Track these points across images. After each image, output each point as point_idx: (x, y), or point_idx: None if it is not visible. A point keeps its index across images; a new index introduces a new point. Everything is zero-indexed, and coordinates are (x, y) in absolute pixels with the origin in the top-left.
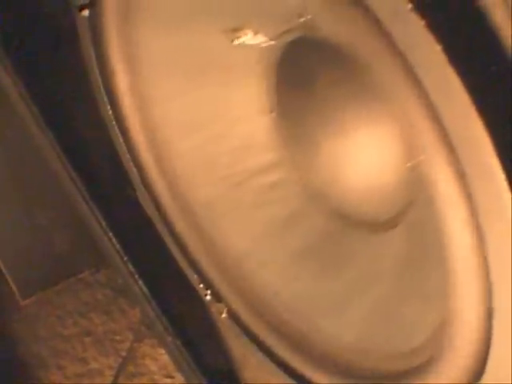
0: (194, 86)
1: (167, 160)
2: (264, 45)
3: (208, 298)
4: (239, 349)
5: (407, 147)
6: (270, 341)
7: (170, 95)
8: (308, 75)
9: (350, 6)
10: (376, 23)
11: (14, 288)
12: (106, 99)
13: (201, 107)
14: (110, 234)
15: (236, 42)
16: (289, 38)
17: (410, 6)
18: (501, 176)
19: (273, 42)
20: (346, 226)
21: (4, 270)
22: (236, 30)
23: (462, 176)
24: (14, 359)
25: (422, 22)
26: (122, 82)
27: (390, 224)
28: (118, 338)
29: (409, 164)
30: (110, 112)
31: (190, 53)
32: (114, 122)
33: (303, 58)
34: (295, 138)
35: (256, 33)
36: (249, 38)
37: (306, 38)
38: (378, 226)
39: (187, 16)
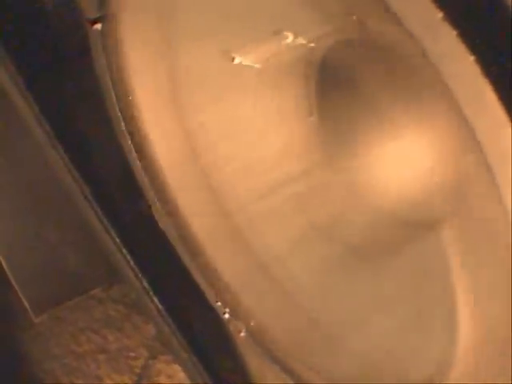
0: (223, 97)
1: (192, 173)
2: (308, 45)
3: (226, 316)
4: (257, 366)
5: (439, 159)
6: (291, 358)
7: (200, 106)
8: (351, 78)
9: (381, 15)
10: (407, 32)
11: (27, 305)
12: (120, 115)
13: (235, 114)
14: (124, 250)
15: (280, 43)
16: (331, 39)
17: (440, 15)
18: None
19: (313, 45)
20: (390, 228)
21: (16, 287)
22: (280, 30)
23: (495, 190)
24: (27, 377)
25: (454, 32)
26: (137, 96)
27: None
28: (132, 354)
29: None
30: (124, 128)
31: (217, 64)
32: (128, 138)
33: (346, 60)
34: (337, 141)
35: (296, 36)
36: (289, 40)
37: (348, 40)
38: (423, 225)
39: (216, 26)
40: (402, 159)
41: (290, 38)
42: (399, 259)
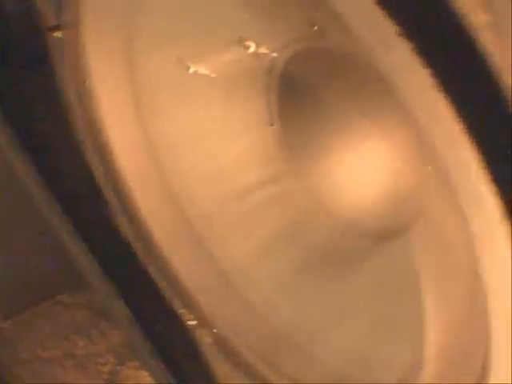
0: (191, 101)
1: (154, 180)
2: (269, 55)
3: (191, 323)
4: (223, 372)
5: (398, 168)
6: (256, 364)
7: (157, 114)
8: (313, 86)
9: (341, 27)
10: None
11: None
12: (83, 121)
13: (199, 123)
14: (91, 256)
15: (241, 53)
16: (293, 49)
17: (396, 29)
18: (492, 201)
19: (275, 54)
20: (353, 236)
21: None
22: (242, 40)
23: (454, 199)
24: None
25: (410, 46)
26: (99, 102)
27: (379, 245)
28: (99, 360)
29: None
30: (86, 133)
31: (179, 70)
32: (91, 145)
33: (307, 69)
34: (299, 149)
35: (259, 45)
36: (251, 50)
37: (310, 49)
38: (385, 235)
39: (177, 31)
40: (364, 168)
41: (252, 47)
42: (363, 267)
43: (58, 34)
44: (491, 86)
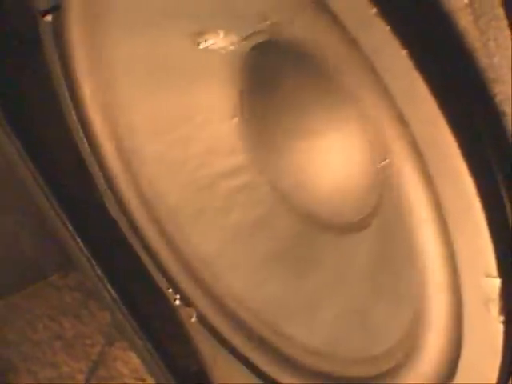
0: (159, 90)
1: (134, 166)
2: (229, 48)
3: (177, 302)
4: (209, 351)
5: (374, 150)
6: (238, 342)
7: (134, 101)
8: (274, 79)
9: (316, 11)
10: (342, 28)
11: None
12: (71, 106)
13: (165, 112)
14: (78, 238)
15: (201, 46)
16: (254, 41)
17: (374, 10)
18: (468, 179)
19: (237, 46)
20: (315, 229)
21: None
22: (202, 33)
23: (429, 179)
24: None
25: (387, 27)
26: (86, 88)
27: (358, 226)
28: (88, 341)
29: (376, 166)
30: (75, 118)
31: (154, 57)
32: (79, 129)
33: (268, 62)
34: (262, 142)
35: (219, 38)
36: (217, 40)
37: (271, 42)
38: (347, 228)
39: (152, 20)
40: (325, 160)
41: (211, 40)
42: (325, 260)
43: (48, 18)
44: (468, 66)
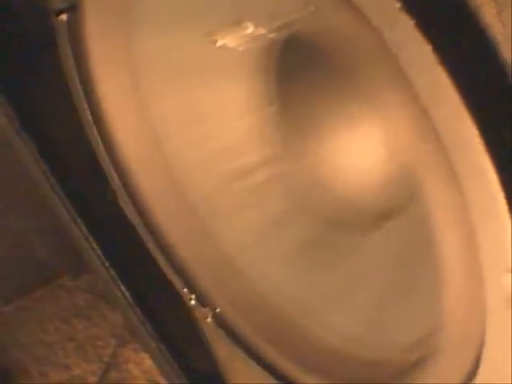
0: (185, 86)
1: (156, 162)
2: (264, 38)
3: (193, 302)
4: (224, 352)
5: (396, 148)
6: (257, 343)
7: (160, 97)
8: (308, 68)
9: (340, 6)
10: (366, 23)
11: None
12: (85, 105)
13: (197, 105)
14: (91, 239)
15: (236, 36)
16: (290, 30)
17: (398, 5)
18: (492, 176)
19: (273, 35)
20: (338, 226)
21: None
22: (236, 24)
23: (453, 176)
24: None
25: (412, 22)
26: (103, 87)
27: (380, 223)
28: (100, 343)
29: (399, 164)
30: (90, 118)
31: (178, 54)
32: (94, 128)
33: (304, 51)
34: (296, 130)
35: (257, 26)
36: (249, 31)
37: (307, 30)
38: (369, 225)
39: (176, 16)
40: (361, 147)
41: (250, 28)
42: (364, 244)
43: (63, 18)
44: (492, 60)
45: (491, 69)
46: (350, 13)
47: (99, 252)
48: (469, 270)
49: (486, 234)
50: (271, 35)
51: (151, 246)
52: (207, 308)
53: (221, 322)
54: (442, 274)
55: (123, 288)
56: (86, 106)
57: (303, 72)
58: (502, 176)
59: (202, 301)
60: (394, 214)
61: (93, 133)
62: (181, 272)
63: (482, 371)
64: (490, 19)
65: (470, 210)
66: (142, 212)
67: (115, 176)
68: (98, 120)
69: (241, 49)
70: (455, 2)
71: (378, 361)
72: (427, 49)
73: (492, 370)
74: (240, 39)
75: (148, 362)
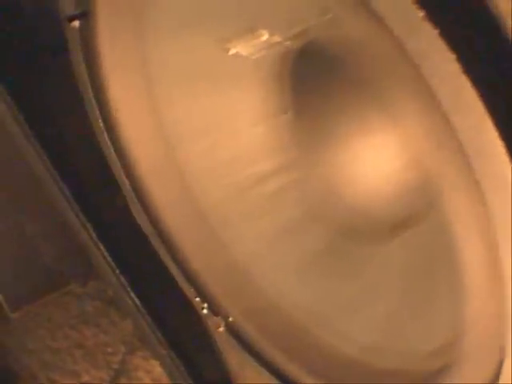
0: (198, 92)
1: (168, 169)
2: (279, 46)
3: (205, 311)
4: (236, 360)
5: (413, 156)
6: (269, 351)
7: (173, 103)
8: (324, 75)
9: (361, 14)
10: (389, 32)
11: (2, 300)
12: (97, 111)
13: (212, 112)
14: (101, 245)
15: (250, 44)
16: (306, 37)
17: (422, 14)
18: None
19: (288, 43)
20: (352, 235)
21: None
22: (251, 31)
23: (475, 185)
24: (3, 373)
25: (436, 31)
26: (114, 92)
27: (396, 232)
28: (109, 350)
29: (416, 173)
30: (102, 125)
31: (191, 60)
32: (105, 134)
33: (319, 58)
34: (311, 138)
35: (272, 34)
36: (264, 38)
37: (322, 38)
38: (385, 234)
39: (189, 21)
40: (377, 156)
41: (265, 36)
42: (380, 254)
43: (75, 24)
44: None
45: None
46: (368, 21)
47: (109, 258)
48: (489, 278)
49: (509, 245)
50: (287, 43)
51: (162, 253)
52: (220, 317)
53: (233, 331)
54: (463, 281)
55: (133, 295)
56: (97, 112)
57: (318, 80)
58: None
59: (214, 310)
60: (410, 223)
61: (104, 139)
62: (192, 280)
63: (503, 378)
64: None
65: (492, 221)
66: (154, 219)
67: (126, 182)
68: (110, 126)
69: (257, 55)
70: (479, 12)
71: (397, 370)
72: (451, 58)
73: None
74: (254, 47)
75: (158, 369)
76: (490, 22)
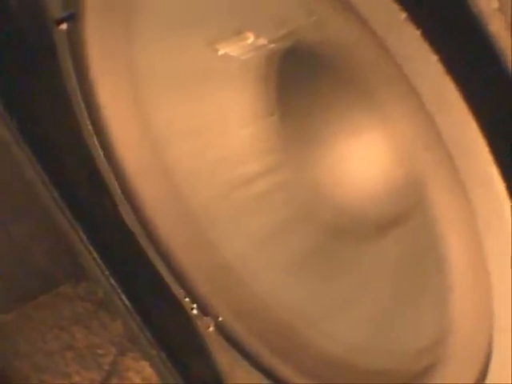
0: (186, 95)
1: (157, 170)
2: (265, 48)
3: (194, 311)
4: (226, 360)
5: (399, 156)
6: (259, 351)
7: (162, 105)
8: (309, 77)
9: (344, 15)
10: (372, 33)
11: None
12: (85, 113)
13: (198, 114)
14: (91, 247)
15: (236, 46)
16: (291, 40)
17: (404, 15)
18: (500, 184)
19: (273, 45)
20: (341, 234)
21: None
22: (237, 33)
23: (459, 184)
24: None
25: (418, 32)
26: (102, 95)
27: (383, 231)
28: (100, 351)
29: (403, 172)
30: (91, 128)
31: (178, 62)
32: (94, 137)
33: (305, 60)
34: (298, 139)
35: (257, 36)
36: (250, 41)
37: (307, 40)
38: (372, 233)
39: (177, 24)
40: (364, 156)
41: (251, 38)
42: (368, 253)
43: (63, 27)
44: (499, 70)
45: (498, 78)
46: (353, 22)
47: (98, 260)
48: (476, 276)
49: (493, 242)
50: (272, 45)
51: (152, 254)
52: (209, 317)
53: (222, 331)
54: (449, 279)
55: (123, 296)
56: (86, 114)
57: (305, 81)
58: (508, 184)
59: (204, 310)
60: (397, 223)
61: (93, 142)
62: (182, 281)
63: (490, 377)
64: (497, 29)
65: (476, 218)
66: (143, 220)
67: (116, 184)
68: (99, 129)
69: (243, 57)
70: (462, 12)
71: (383, 369)
72: (433, 59)
73: (500, 377)
74: (240, 50)
75: (148, 370)
76: (470, 22)
